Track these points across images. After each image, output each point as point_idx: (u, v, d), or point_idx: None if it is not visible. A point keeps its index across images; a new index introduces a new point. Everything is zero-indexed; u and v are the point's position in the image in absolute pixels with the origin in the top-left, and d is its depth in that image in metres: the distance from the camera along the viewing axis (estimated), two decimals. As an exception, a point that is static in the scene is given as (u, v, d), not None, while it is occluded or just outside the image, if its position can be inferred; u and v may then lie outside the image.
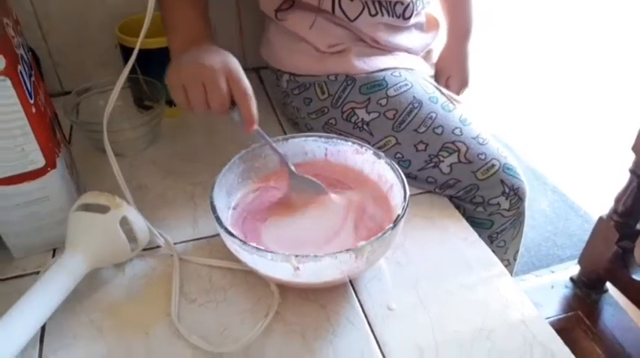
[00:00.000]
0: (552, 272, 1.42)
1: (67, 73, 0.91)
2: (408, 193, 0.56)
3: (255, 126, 0.60)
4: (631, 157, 1.08)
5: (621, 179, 1.10)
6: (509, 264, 0.78)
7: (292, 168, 0.63)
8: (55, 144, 0.59)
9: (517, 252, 0.78)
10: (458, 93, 0.86)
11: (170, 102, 0.84)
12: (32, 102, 0.54)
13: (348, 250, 0.50)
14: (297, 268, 0.51)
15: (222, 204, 0.59)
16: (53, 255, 0.62)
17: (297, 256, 0.50)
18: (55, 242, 0.62)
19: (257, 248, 0.51)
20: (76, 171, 0.67)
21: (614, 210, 1.14)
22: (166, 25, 0.66)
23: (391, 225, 0.53)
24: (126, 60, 0.83)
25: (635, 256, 1.13)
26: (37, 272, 0.59)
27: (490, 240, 0.71)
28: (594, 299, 1.24)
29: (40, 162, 0.56)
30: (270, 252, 0.50)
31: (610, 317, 1.19)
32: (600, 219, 1.17)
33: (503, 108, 1.91)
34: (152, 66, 0.79)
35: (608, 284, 1.24)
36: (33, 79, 0.57)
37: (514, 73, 2.08)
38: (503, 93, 1.97)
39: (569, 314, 1.21)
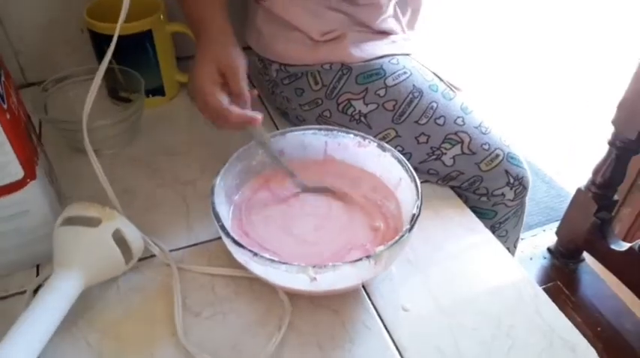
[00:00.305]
0: (522, 239, 1.45)
1: (30, 62, 0.82)
2: (420, 190, 0.54)
3: (257, 124, 0.57)
4: (607, 131, 1.10)
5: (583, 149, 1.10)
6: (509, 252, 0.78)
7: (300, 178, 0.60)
8: (33, 152, 0.53)
9: (517, 239, 0.78)
10: None
11: (149, 92, 0.78)
12: (5, 107, 0.48)
13: (367, 257, 0.47)
14: (314, 278, 0.48)
15: (223, 210, 0.55)
16: (37, 273, 0.57)
17: (314, 267, 0.47)
18: (38, 258, 0.57)
19: (271, 259, 0.47)
20: (55, 178, 0.61)
21: (592, 182, 1.16)
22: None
23: (408, 226, 0.50)
24: (96, 46, 0.76)
25: (618, 227, 1.16)
26: (23, 292, 0.54)
27: (492, 230, 0.70)
28: (572, 268, 1.27)
29: (17, 173, 0.50)
30: (285, 263, 0.47)
31: (588, 285, 1.23)
32: (578, 190, 1.20)
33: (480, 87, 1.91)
34: (127, 54, 0.72)
35: (585, 254, 1.28)
36: (3, 78, 0.51)
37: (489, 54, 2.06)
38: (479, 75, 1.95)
39: (549, 284, 1.24)
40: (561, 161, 1.72)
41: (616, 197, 1.16)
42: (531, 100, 1.94)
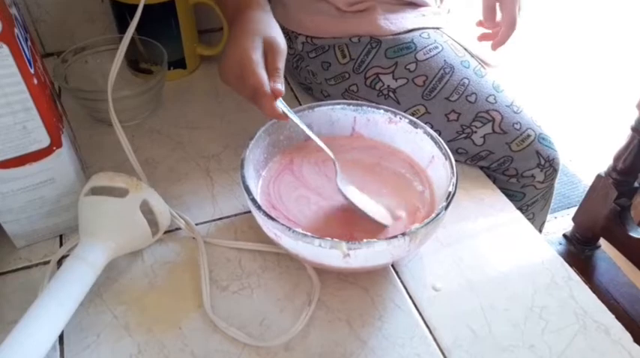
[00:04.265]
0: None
1: (49, 32, 0.80)
2: (455, 167, 0.53)
3: (280, 114, 0.53)
4: (625, 117, 1.08)
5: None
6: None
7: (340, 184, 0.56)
8: (58, 119, 0.52)
9: (543, 222, 0.76)
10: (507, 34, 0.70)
11: (170, 65, 0.76)
12: (32, 71, 0.46)
13: (403, 234, 0.46)
14: (347, 255, 0.47)
15: (252, 184, 0.53)
16: (60, 243, 0.56)
17: (347, 243, 0.46)
18: (61, 228, 0.56)
19: (304, 234, 0.46)
20: (78, 147, 0.60)
21: (613, 168, 1.14)
22: None
23: (444, 204, 0.49)
24: (116, 16, 0.74)
25: (633, 214, 1.15)
26: (47, 262, 0.53)
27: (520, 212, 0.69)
28: (588, 255, 1.26)
29: (44, 140, 0.49)
30: (319, 238, 0.46)
31: (604, 272, 1.22)
32: (598, 176, 1.18)
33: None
34: (148, 24, 0.70)
35: (601, 241, 1.27)
36: (29, 43, 0.49)
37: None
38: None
39: (565, 270, 1.23)
40: (574, 148, 1.70)
41: (637, 184, 1.14)
42: (545, 86, 1.91)
